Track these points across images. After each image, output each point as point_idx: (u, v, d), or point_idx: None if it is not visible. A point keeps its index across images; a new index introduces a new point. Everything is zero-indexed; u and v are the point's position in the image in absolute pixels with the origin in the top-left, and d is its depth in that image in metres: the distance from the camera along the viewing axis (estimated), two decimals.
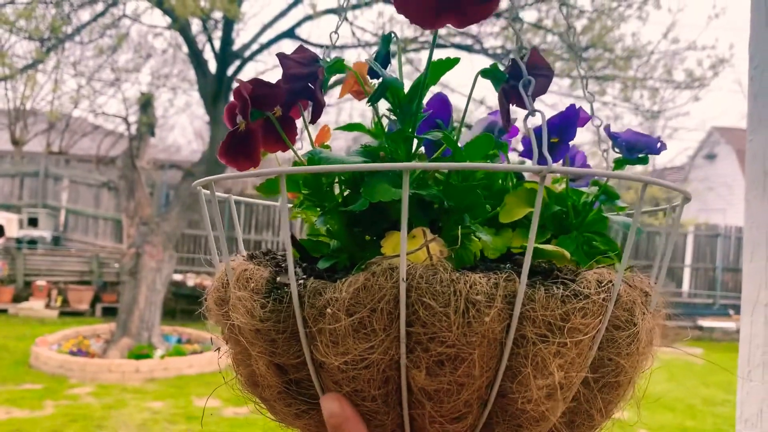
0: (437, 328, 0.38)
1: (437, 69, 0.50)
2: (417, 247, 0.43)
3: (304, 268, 0.46)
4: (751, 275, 0.71)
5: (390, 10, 6.75)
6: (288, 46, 7.30)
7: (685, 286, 11.49)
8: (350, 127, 0.53)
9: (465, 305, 0.38)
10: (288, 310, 0.42)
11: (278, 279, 0.44)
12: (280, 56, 0.46)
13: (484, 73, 0.48)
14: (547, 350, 0.39)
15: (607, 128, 0.55)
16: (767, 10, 0.68)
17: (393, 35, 0.54)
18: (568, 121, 0.53)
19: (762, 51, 0.70)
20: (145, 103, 7.34)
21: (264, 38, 6.89)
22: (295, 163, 0.49)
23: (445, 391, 0.40)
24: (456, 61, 0.50)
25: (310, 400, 0.45)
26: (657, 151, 0.54)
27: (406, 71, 7.27)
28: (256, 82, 0.45)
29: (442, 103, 0.54)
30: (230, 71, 6.78)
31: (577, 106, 0.54)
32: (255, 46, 6.87)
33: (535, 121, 0.43)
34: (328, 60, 0.51)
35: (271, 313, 0.42)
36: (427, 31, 6.80)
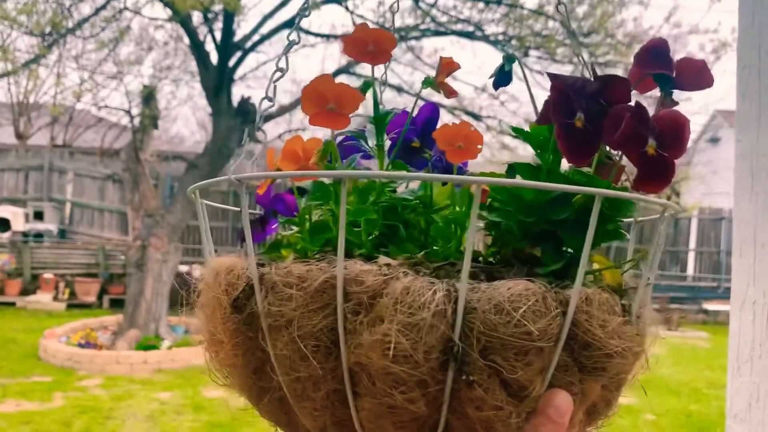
0: None
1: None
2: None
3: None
4: (739, 272, 0.72)
5: None
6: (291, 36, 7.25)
7: (690, 269, 11.49)
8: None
9: None
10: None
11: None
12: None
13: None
14: None
15: None
16: (753, 12, 0.69)
17: (515, 58, 0.55)
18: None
19: (748, 52, 0.72)
20: (148, 96, 7.35)
21: (265, 29, 6.88)
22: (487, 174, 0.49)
23: None
24: None
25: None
26: None
27: (407, 59, 7.27)
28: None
29: (429, 112, 0.55)
30: (231, 62, 6.78)
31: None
32: (256, 37, 6.86)
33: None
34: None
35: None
36: (428, 19, 6.80)
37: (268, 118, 7.34)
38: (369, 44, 0.48)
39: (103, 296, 9.25)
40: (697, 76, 0.49)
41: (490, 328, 0.40)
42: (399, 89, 7.62)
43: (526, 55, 6.72)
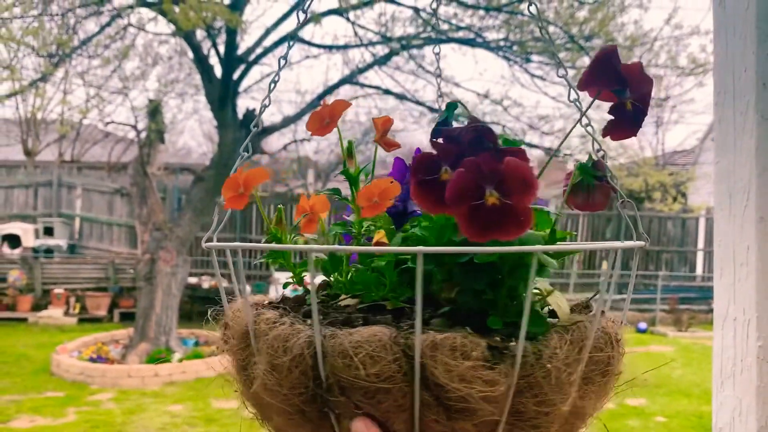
0: None
1: None
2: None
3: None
4: (721, 292, 0.75)
5: (390, 9, 6.77)
6: (292, 49, 7.28)
7: (699, 269, 11.45)
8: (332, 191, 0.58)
9: None
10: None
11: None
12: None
13: (581, 167, 0.55)
14: None
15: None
16: (727, 40, 0.72)
17: (459, 104, 0.58)
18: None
19: (724, 77, 0.74)
20: (154, 110, 7.41)
21: (268, 41, 6.93)
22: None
23: None
24: None
25: None
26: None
27: (409, 68, 7.30)
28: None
29: (400, 165, 0.59)
30: (236, 75, 6.83)
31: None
32: (259, 50, 6.91)
33: None
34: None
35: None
36: (429, 28, 6.83)
37: (272, 129, 7.39)
38: (326, 118, 0.56)
39: (113, 310, 9.32)
40: (639, 78, 0.51)
41: (339, 371, 0.45)
42: (402, 97, 7.66)
43: (527, 60, 6.74)
